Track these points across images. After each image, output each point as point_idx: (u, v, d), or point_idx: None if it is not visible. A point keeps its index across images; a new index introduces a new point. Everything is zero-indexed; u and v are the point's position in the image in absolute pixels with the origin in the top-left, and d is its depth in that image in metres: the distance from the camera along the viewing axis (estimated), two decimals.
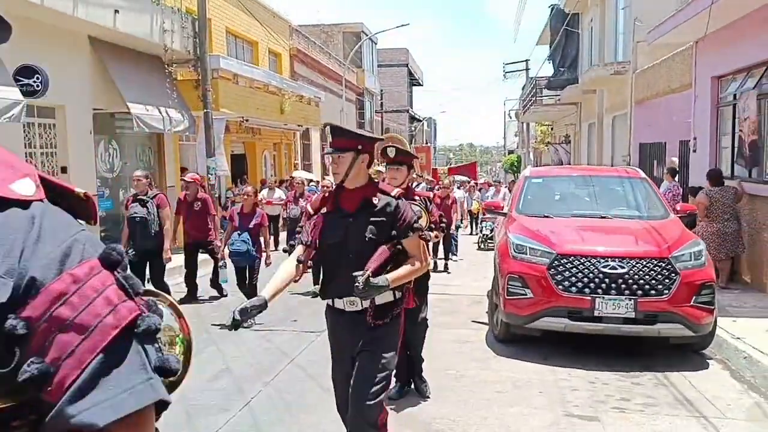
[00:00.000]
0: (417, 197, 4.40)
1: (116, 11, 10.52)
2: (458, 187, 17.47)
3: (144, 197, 7.29)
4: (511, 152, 51.60)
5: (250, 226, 7.41)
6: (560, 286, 5.55)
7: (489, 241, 14.16)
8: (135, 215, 7.16)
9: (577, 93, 20.03)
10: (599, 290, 5.46)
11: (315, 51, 25.63)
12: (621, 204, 6.99)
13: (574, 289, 5.52)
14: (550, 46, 22.67)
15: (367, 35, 31.62)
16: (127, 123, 11.38)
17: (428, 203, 4.54)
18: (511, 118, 48.14)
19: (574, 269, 5.56)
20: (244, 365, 5.64)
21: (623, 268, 5.48)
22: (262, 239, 7.58)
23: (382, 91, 38.05)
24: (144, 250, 7.22)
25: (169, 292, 6.34)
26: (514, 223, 6.50)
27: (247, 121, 16.81)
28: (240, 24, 18.49)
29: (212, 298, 8.44)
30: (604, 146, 18.48)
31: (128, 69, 11.68)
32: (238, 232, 7.35)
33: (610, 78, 16.02)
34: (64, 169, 10.59)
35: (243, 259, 7.35)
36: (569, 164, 21.43)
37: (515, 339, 6.09)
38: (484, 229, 14.84)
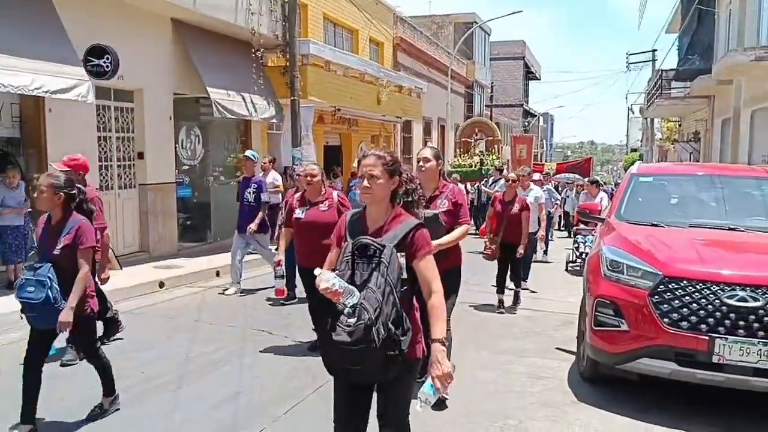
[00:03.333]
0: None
1: None
2: (541, 185, 12.46)
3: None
4: (633, 150, 47.84)
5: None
6: (667, 319, 4.22)
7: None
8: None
9: (709, 84, 17.71)
10: (721, 328, 4.08)
11: (421, 41, 24.64)
12: (759, 213, 5.42)
13: (685, 324, 4.16)
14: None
15: (478, 24, 30.22)
16: (211, 109, 10.98)
17: None
18: (634, 113, 44.64)
19: (687, 298, 4.20)
20: (259, 390, 4.68)
21: (757, 300, 4.05)
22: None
23: (493, 84, 36.53)
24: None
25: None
26: (612, 233, 5.17)
27: (339, 110, 16.13)
28: (339, 10, 17.88)
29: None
30: (740, 145, 16.10)
31: (212, 53, 11.29)
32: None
33: (751, 65, 13.83)
34: (140, 155, 10.32)
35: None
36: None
37: (605, 379, 4.81)
38: (580, 245, 10.80)
